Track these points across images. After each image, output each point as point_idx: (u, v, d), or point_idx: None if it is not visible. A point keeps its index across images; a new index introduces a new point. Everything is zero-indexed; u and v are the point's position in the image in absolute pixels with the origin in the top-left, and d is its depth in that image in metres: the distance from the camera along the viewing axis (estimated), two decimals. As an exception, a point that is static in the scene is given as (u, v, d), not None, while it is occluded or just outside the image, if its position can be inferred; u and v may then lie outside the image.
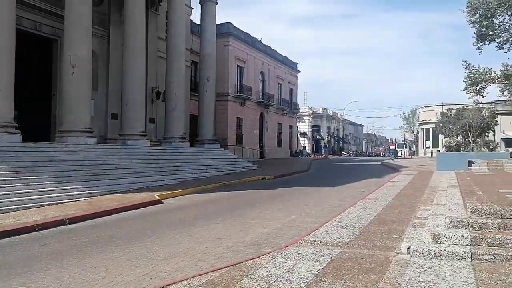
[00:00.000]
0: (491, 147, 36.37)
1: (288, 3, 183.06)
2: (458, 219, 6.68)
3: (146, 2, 21.52)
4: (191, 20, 31.06)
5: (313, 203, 12.32)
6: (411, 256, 5.99)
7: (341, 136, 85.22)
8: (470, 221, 6.57)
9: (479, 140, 40.09)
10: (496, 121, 41.05)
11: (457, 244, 6.12)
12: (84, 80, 17.27)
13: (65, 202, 11.85)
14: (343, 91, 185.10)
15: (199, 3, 27.86)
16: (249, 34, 40.19)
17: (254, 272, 5.30)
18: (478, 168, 22.57)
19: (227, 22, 36.32)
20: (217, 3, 27.99)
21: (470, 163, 23.54)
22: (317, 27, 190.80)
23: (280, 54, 47.69)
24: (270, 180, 20.78)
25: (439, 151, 45.70)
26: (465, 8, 32.94)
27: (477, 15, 32.49)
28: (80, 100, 17.20)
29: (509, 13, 32.70)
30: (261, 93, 42.43)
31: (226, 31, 35.77)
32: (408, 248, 6.13)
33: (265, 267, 5.53)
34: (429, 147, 58.57)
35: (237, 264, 5.72)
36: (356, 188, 16.29)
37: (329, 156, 59.60)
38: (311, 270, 5.36)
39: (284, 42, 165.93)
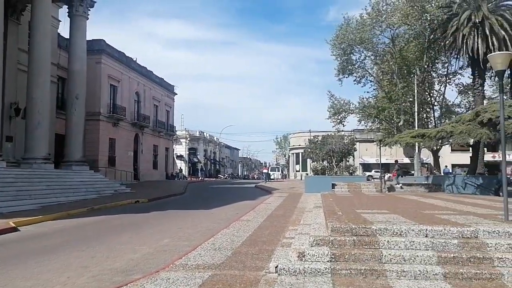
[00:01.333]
0: (351, 171, 40.35)
1: (165, 25, 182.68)
2: (320, 238, 7.19)
3: (5, 10, 19.51)
4: (59, 33, 28.93)
5: (188, 226, 12.15)
6: (279, 274, 6.23)
7: (217, 159, 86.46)
8: (331, 239, 7.12)
9: (341, 164, 44.23)
10: (355, 147, 45.82)
11: (319, 261, 6.56)
12: None
13: None
14: (220, 115, 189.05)
15: (68, 16, 26.18)
16: (124, 53, 38.93)
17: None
18: (340, 190, 24.83)
19: (99, 39, 34.68)
20: (88, 18, 26.61)
21: (333, 185, 25.75)
22: (195, 51, 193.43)
23: (156, 75, 47.03)
24: (143, 203, 20.01)
25: (307, 174, 49.15)
26: (330, 41, 36.73)
27: (340, 49, 36.40)
28: None
29: (365, 52, 37.27)
30: (136, 114, 41.09)
31: (99, 47, 34.10)
32: (276, 267, 6.37)
33: (133, 295, 5.24)
34: (299, 171, 62.62)
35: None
36: (231, 210, 16.55)
37: (206, 179, 59.87)
38: (181, 296, 5.23)
39: (160, 64, 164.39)
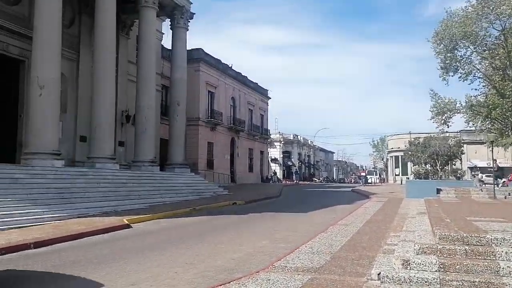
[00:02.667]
0: (458, 175, 37.48)
1: (257, 31, 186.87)
2: (427, 246, 6.71)
3: (117, 25, 21.44)
4: (162, 45, 31.11)
5: (284, 229, 12.20)
6: (382, 282, 5.94)
7: (312, 162, 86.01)
8: (439, 247, 6.60)
9: (447, 168, 41.30)
10: (462, 150, 42.50)
11: (426, 270, 6.11)
12: (52, 102, 16.87)
13: (30, 226, 11.33)
14: (314, 118, 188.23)
15: (170, 28, 27.99)
16: (220, 60, 40.55)
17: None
18: (446, 195, 23.09)
19: (198, 48, 36.57)
20: (188, 29, 28.18)
21: (438, 190, 24.07)
22: (287, 56, 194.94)
23: (251, 80, 48.23)
24: (240, 205, 20.56)
25: (408, 178, 46.66)
26: (431, 38, 34.44)
27: (442, 46, 33.95)
28: (48, 121, 16.74)
29: (472, 46, 34.34)
30: (232, 119, 42.55)
31: (197, 56, 35.97)
32: (378, 274, 6.09)
33: (235, 294, 5.37)
34: (398, 174, 59.76)
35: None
36: (327, 214, 16.28)
37: (300, 182, 59.85)
38: (281, 297, 5.23)
39: (253, 69, 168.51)
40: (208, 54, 38.33)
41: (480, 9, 31.20)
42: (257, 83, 50.28)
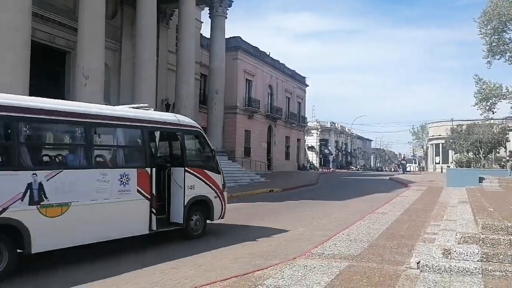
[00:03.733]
0: (502, 163, 36.00)
1: (292, 18, 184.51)
2: (469, 235, 6.61)
3: (157, 16, 21.85)
4: (201, 33, 31.44)
5: (321, 216, 12.26)
6: (421, 271, 5.92)
7: (349, 150, 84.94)
8: (481, 237, 6.49)
9: (490, 156, 39.75)
10: (507, 137, 40.69)
11: (468, 260, 6.04)
12: (96, 92, 17.47)
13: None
14: (351, 105, 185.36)
15: (209, 17, 28.23)
16: (258, 48, 40.53)
17: (262, 283, 5.30)
18: (489, 185, 22.27)
19: (236, 36, 36.69)
20: (226, 17, 28.32)
21: (481, 179, 23.27)
22: (325, 42, 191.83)
23: (288, 68, 47.97)
24: (277, 192, 20.73)
25: (449, 167, 45.25)
26: (478, 19, 32.96)
27: (489, 27, 32.46)
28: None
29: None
30: (269, 107, 42.60)
31: (235, 44, 36.11)
32: (418, 263, 6.07)
33: (273, 278, 5.52)
34: (438, 163, 58.05)
35: (245, 274, 5.71)
36: (364, 202, 16.18)
37: (337, 170, 59.38)
38: (319, 282, 5.33)
39: (289, 56, 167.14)
40: (246, 42, 38.39)
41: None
42: (294, 71, 49.97)
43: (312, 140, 69.97)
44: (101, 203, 7.06)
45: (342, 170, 61.41)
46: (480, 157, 35.89)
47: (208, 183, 9.17)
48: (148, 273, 6.27)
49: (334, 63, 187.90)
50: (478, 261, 5.99)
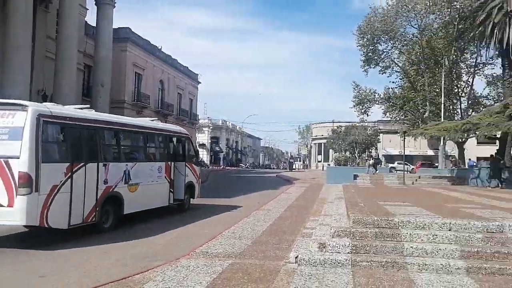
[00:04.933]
0: (378, 161, 39.90)
1: (185, 14, 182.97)
2: (342, 229, 7.16)
3: (34, -3, 19.89)
4: (86, 21, 29.28)
5: (209, 214, 12.28)
6: (299, 265, 6.24)
7: (239, 148, 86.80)
8: (352, 230, 7.08)
9: (364, 155, 43.84)
10: (379, 138, 45.30)
11: (340, 253, 6.54)
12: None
13: None
14: (243, 104, 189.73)
15: (95, 4, 26.51)
16: (149, 41, 39.21)
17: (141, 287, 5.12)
18: (362, 181, 24.59)
19: (125, 27, 35.00)
20: (115, 6, 26.88)
21: (355, 176, 25.55)
22: (218, 40, 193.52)
23: (180, 64, 47.25)
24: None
25: (329, 165, 48.77)
26: (355, 31, 36.13)
27: (365, 39, 35.73)
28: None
29: (391, 41, 36.49)
30: (160, 102, 41.50)
31: (124, 35, 34.41)
32: (296, 257, 6.39)
33: (153, 281, 5.36)
34: (320, 161, 62.30)
35: (123, 279, 5.45)
36: (252, 199, 16.63)
37: (227, 167, 60.25)
38: (200, 282, 5.31)
39: (183, 52, 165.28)
40: (136, 34, 36.81)
41: (399, 8, 33.17)
42: (187, 67, 49.39)
43: (203, 137, 70.01)
44: (151, 183, 11.00)
45: (232, 168, 62.48)
46: (355, 156, 39.29)
47: (194, 173, 13.53)
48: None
49: (227, 61, 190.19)
50: (348, 253, 6.52)
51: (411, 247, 6.47)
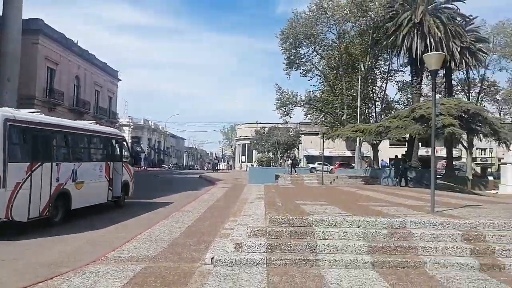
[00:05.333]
0: (298, 162, 41.12)
1: (112, 8, 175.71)
2: (258, 229, 7.24)
3: None
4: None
5: (127, 217, 11.81)
6: (214, 266, 6.21)
7: (162, 148, 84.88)
8: (268, 230, 7.19)
9: (284, 156, 45.04)
10: (300, 139, 46.75)
11: (256, 252, 6.61)
12: None
13: None
14: (167, 104, 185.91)
15: (2, -9, 24.40)
16: (64, 35, 36.88)
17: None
18: (283, 181, 25.21)
19: (37, 18, 32.56)
20: (25, -5, 24.94)
21: (277, 177, 26.12)
22: (143, 38, 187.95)
23: (99, 60, 45.08)
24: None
25: (252, 165, 49.42)
26: (279, 35, 36.99)
27: (287, 43, 36.72)
28: None
29: (312, 46, 37.86)
30: (75, 99, 39.22)
31: (36, 27, 32.01)
32: (212, 258, 6.35)
33: (57, 290, 5.03)
34: (244, 162, 62.92)
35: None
36: (172, 200, 16.27)
37: (149, 168, 58.62)
38: (110, 289, 5.07)
39: (106, 49, 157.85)
40: (49, 26, 34.41)
41: (320, 14, 34.53)
42: (105, 63, 47.20)
43: (124, 137, 67.40)
44: (94, 182, 11.96)
45: (155, 169, 60.92)
46: (278, 156, 40.21)
47: (129, 172, 14.60)
48: None
49: (153, 59, 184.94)
50: (264, 252, 6.61)
51: (323, 244, 6.72)
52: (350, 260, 6.30)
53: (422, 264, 6.25)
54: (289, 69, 38.58)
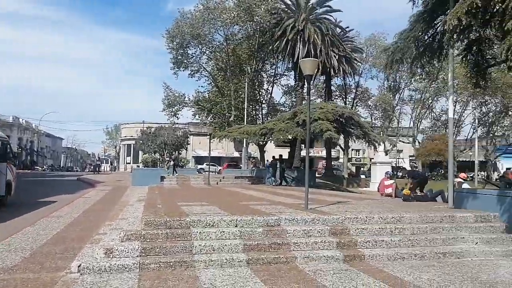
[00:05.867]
0: (182, 163, 40.64)
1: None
2: (132, 232, 6.90)
3: None
4: None
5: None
6: (81, 274, 5.76)
7: (35, 149, 77.51)
8: (143, 233, 6.89)
9: (178, 157, 44.31)
10: (188, 140, 46.34)
11: (129, 257, 6.28)
12: None
13: None
14: (43, 100, 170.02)
15: None
16: None
17: None
18: (169, 182, 24.72)
19: None
20: None
21: (162, 178, 25.52)
22: (14, 26, 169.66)
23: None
24: None
25: (138, 166, 47.69)
26: (165, 34, 36.20)
27: (174, 43, 36.11)
28: None
29: (200, 46, 37.78)
30: None
31: None
32: (78, 266, 5.88)
33: None
34: (129, 163, 60.44)
35: None
36: (42, 206, 14.83)
37: (20, 170, 53.03)
38: None
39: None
40: None
41: (206, 15, 34.62)
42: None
43: (-11, 136, 60.04)
44: None
45: (26, 171, 55.34)
46: (165, 157, 39.36)
47: (12, 172, 14.53)
48: None
49: (28, 52, 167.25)
50: (137, 256, 6.31)
51: (199, 245, 6.65)
52: (226, 259, 6.32)
53: (294, 259, 6.53)
54: (177, 69, 38.08)
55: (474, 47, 11.21)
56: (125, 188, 22.07)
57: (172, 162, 29.44)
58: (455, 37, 9.55)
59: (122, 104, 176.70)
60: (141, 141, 42.52)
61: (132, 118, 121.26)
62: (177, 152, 40.66)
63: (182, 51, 37.14)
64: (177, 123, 43.44)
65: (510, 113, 44.55)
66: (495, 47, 10.47)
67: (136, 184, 23.12)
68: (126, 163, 61.67)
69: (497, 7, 7.99)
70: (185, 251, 6.58)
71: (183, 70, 38.69)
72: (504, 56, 7.91)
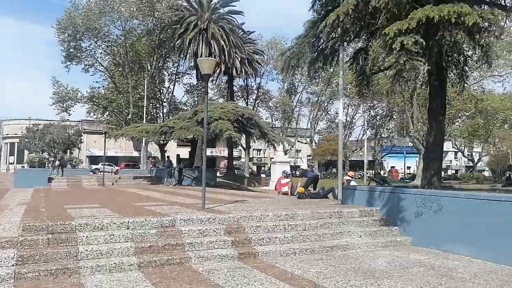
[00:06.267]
0: (74, 163, 38.01)
1: None
2: (7, 239, 6.21)
3: None
4: None
5: None
6: None
7: None
8: (20, 239, 6.24)
9: (65, 156, 41.24)
10: (82, 139, 43.51)
11: (2, 266, 5.65)
12: None
13: None
14: None
15: None
16: None
17: None
18: (58, 184, 22.90)
19: None
20: None
21: (50, 179, 23.57)
22: None
23: None
24: None
25: (23, 167, 43.55)
26: (55, 25, 33.55)
27: (66, 35, 33.62)
28: None
29: (95, 39, 35.66)
30: None
31: None
32: None
33: None
34: (13, 163, 54.91)
35: None
36: None
37: None
38: None
39: None
40: None
41: (102, 7, 32.81)
42: None
43: None
44: None
45: None
46: (54, 157, 36.52)
47: None
48: None
49: None
50: (12, 265, 5.69)
51: (86, 250, 6.20)
52: (115, 263, 5.98)
53: (188, 259, 6.41)
54: (69, 63, 35.54)
55: (360, 56, 12.10)
56: (6, 190, 19.89)
57: (58, 162, 27.28)
58: (336, 36, 10.41)
59: (5, 98, 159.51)
60: (26, 139, 38.90)
61: (16, 114, 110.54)
62: (64, 151, 37.93)
63: (74, 43, 34.74)
64: (69, 120, 40.61)
65: (394, 117, 49.08)
66: (380, 57, 11.37)
67: (19, 186, 21.02)
68: (9, 163, 55.89)
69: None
70: (70, 257, 6.09)
71: (76, 64, 36.25)
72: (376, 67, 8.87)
